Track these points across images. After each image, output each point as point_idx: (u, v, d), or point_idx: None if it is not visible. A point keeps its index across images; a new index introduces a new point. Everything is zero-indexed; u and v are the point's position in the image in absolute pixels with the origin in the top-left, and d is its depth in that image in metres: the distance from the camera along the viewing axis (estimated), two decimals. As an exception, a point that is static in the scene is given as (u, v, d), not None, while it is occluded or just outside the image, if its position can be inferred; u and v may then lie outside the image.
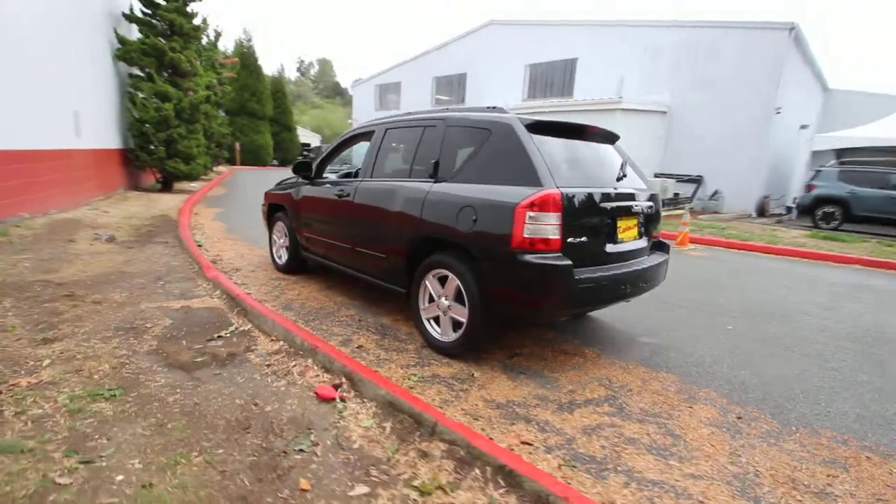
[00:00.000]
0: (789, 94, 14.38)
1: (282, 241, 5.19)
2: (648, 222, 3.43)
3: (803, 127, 16.47)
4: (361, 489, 1.80)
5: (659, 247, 3.68)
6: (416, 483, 1.86)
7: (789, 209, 14.87)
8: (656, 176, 14.29)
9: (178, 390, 2.52)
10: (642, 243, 3.36)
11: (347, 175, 5.00)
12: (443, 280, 3.17)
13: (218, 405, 2.39)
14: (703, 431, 2.44)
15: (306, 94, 62.97)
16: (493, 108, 3.27)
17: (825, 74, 18.00)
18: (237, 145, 24.45)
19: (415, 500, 1.77)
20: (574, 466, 2.06)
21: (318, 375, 2.75)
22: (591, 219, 2.88)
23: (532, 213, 2.63)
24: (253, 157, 25.86)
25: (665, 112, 15.29)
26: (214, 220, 8.66)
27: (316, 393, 2.52)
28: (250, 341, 3.25)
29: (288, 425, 2.23)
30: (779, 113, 13.87)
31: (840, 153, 13.68)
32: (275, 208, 5.32)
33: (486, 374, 2.94)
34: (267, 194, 5.50)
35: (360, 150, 4.58)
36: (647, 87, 15.65)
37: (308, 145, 41.10)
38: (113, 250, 5.62)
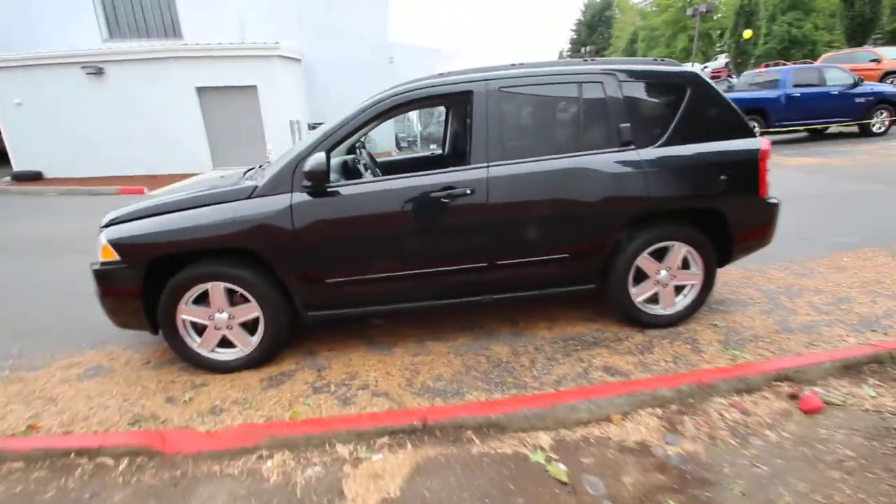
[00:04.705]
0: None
1: (224, 317, 2.74)
2: None
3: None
4: None
5: None
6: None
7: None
8: (311, 127, 14.23)
9: None
10: None
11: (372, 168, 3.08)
12: (656, 254, 2.95)
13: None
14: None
15: None
16: (663, 59, 3.02)
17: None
18: None
19: None
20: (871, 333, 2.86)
21: (756, 403, 2.22)
22: None
23: (767, 161, 2.92)
24: None
25: (300, 60, 14.98)
26: None
27: (804, 411, 2.14)
28: (606, 443, 2.04)
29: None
30: (392, 62, 16.32)
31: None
32: (168, 265, 2.64)
33: (730, 322, 3.12)
34: (135, 245, 2.60)
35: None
36: (273, 33, 14.64)
37: None
38: None
